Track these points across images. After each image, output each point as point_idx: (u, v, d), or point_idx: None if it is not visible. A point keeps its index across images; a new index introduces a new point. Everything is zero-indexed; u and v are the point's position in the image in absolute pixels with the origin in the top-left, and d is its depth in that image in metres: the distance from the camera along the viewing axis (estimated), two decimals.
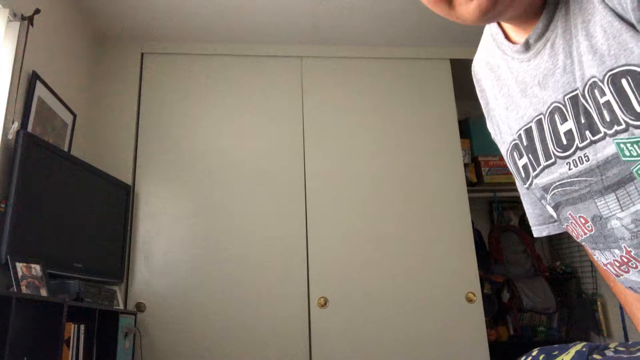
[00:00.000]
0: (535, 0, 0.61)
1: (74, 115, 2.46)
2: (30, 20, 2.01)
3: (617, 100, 0.53)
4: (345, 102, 2.91)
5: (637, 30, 0.50)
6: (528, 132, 0.68)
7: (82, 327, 1.90)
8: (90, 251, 2.25)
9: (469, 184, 3.13)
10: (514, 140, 0.71)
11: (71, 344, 1.81)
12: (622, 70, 0.51)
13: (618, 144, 0.55)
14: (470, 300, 2.62)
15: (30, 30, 2.01)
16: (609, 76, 0.53)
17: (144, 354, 2.34)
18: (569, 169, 0.63)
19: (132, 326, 2.30)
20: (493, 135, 0.82)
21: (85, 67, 2.70)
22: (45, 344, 1.67)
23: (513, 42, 0.67)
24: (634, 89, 0.51)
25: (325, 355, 2.47)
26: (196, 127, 2.80)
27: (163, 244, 2.58)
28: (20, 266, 1.73)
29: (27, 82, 2.06)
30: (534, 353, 0.76)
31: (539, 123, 0.66)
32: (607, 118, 0.55)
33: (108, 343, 2.07)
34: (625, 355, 0.64)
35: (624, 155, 0.55)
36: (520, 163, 0.71)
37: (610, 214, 0.60)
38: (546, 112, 0.64)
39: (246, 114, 2.86)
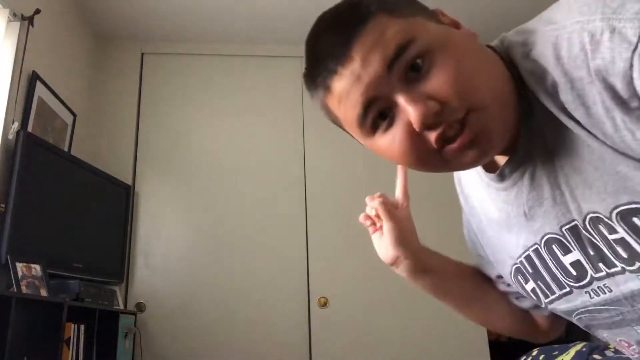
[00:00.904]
0: (514, 128, 0.57)
1: (74, 115, 2.46)
2: (30, 20, 2.00)
3: (635, 237, 0.49)
4: None
5: (632, 159, 0.46)
6: (529, 259, 0.65)
7: (82, 327, 1.90)
8: (90, 251, 2.25)
9: None
10: (516, 264, 0.68)
11: (71, 344, 1.81)
12: (631, 209, 0.48)
13: None
14: None
15: (30, 30, 2.01)
16: (617, 214, 0.49)
17: (144, 354, 2.34)
18: (590, 298, 0.59)
19: (132, 326, 2.30)
20: (471, 247, 0.81)
21: (85, 67, 2.70)
22: (45, 344, 1.67)
23: (494, 164, 0.63)
24: None
25: (325, 355, 2.47)
26: (196, 127, 2.80)
27: (163, 244, 2.58)
28: (20, 266, 1.73)
29: (27, 82, 2.06)
30: (534, 353, 0.76)
31: (537, 252, 0.62)
32: (624, 254, 0.51)
33: (108, 343, 2.07)
34: (625, 356, 0.64)
35: None
36: (528, 287, 0.69)
37: None
38: (541, 242, 0.61)
39: (246, 114, 2.86)
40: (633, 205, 0.48)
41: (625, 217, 0.49)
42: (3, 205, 1.79)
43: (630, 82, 0.43)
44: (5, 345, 1.45)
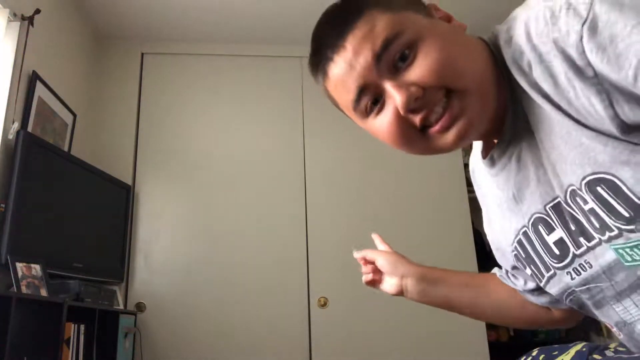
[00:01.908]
0: (501, 113, 0.60)
1: (74, 115, 2.46)
2: (30, 20, 2.00)
3: (601, 207, 0.51)
4: None
5: (592, 130, 0.49)
6: (520, 244, 0.67)
7: (82, 327, 1.90)
8: (90, 251, 2.25)
9: (469, 184, 3.13)
10: (513, 251, 0.70)
11: (71, 344, 1.81)
12: (594, 179, 0.50)
13: (616, 250, 0.53)
14: None
15: (30, 30, 2.01)
16: (585, 184, 0.52)
17: (144, 354, 2.34)
18: (572, 279, 0.61)
19: (132, 326, 2.30)
20: (489, 237, 0.81)
21: (85, 67, 2.70)
22: (45, 344, 1.67)
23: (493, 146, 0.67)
24: (612, 196, 0.49)
25: (325, 355, 2.47)
26: (196, 127, 2.80)
27: (163, 244, 2.58)
28: (20, 266, 1.73)
29: (27, 82, 2.06)
30: (534, 353, 0.76)
31: (526, 235, 0.64)
32: (597, 225, 0.53)
33: (108, 343, 2.07)
34: (625, 356, 0.64)
35: (626, 261, 0.53)
36: (528, 272, 0.70)
37: (633, 319, 0.57)
38: (529, 224, 0.63)
39: (246, 114, 2.86)
40: (596, 175, 0.50)
41: (591, 186, 0.51)
42: (3, 205, 1.79)
43: (582, 52, 0.47)
44: (5, 345, 1.45)
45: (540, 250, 0.63)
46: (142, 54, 2.91)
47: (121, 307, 2.38)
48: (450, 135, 0.58)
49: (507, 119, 0.60)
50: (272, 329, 2.48)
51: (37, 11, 2.03)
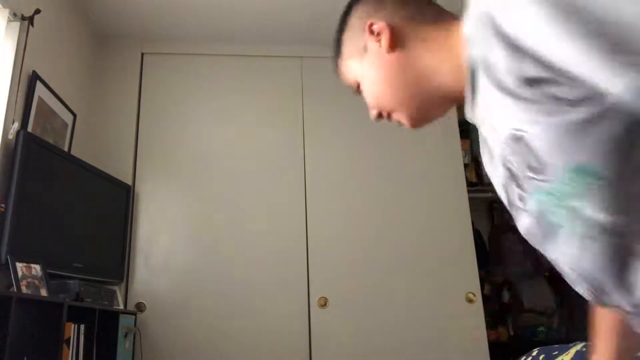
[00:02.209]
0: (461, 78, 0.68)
1: (74, 115, 2.46)
2: (30, 20, 2.01)
3: (520, 160, 0.59)
4: (345, 102, 2.90)
5: (510, 92, 0.55)
6: (504, 187, 0.73)
7: (82, 327, 1.90)
8: (90, 251, 2.25)
9: (469, 184, 3.13)
10: (504, 198, 0.75)
11: (71, 344, 1.81)
12: (515, 137, 0.58)
13: (538, 200, 0.60)
14: (470, 301, 2.62)
15: (30, 30, 2.01)
16: (507, 141, 0.59)
17: (144, 354, 2.34)
18: (524, 223, 0.67)
19: (132, 326, 2.30)
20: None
21: (85, 67, 2.70)
22: (45, 344, 1.67)
23: None
24: (524, 150, 0.57)
25: (325, 355, 2.47)
26: (196, 127, 2.80)
27: (163, 244, 2.58)
28: (20, 266, 1.73)
29: (27, 82, 2.06)
30: (534, 353, 0.76)
31: (499, 185, 0.72)
32: (521, 177, 0.61)
33: (108, 343, 2.07)
34: None
35: (549, 212, 0.60)
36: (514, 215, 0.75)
37: (561, 260, 0.64)
38: (500, 179, 0.69)
39: (246, 114, 2.86)
40: (511, 131, 0.58)
41: (513, 144, 0.59)
42: (3, 205, 1.79)
43: (501, 21, 0.54)
44: (5, 345, 1.45)
45: (507, 197, 0.70)
46: (142, 54, 2.91)
47: (121, 307, 2.38)
48: (408, 126, 0.81)
49: (467, 90, 0.68)
50: (272, 328, 2.48)
51: (37, 11, 2.03)
